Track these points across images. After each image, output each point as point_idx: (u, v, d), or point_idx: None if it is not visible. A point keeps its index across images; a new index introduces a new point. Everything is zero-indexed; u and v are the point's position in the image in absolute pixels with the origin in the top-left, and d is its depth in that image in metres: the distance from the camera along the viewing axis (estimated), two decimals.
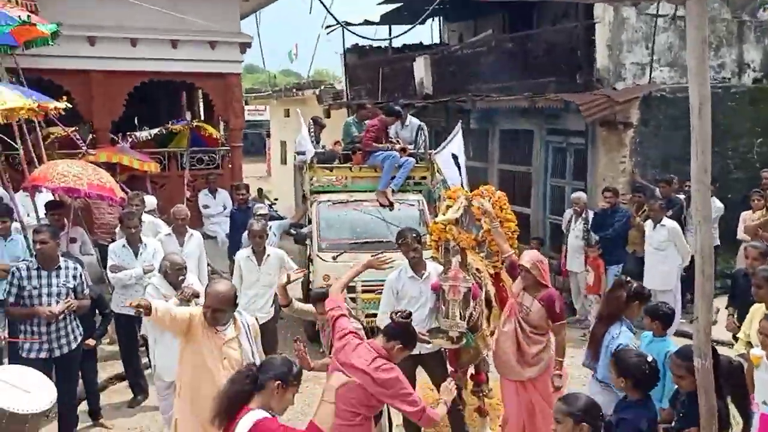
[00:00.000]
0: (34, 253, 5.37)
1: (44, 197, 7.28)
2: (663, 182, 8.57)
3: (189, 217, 7.29)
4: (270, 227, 8.09)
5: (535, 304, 4.91)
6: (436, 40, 16.94)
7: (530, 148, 10.42)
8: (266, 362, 3.30)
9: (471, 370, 6.02)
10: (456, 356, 5.69)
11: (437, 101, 12.00)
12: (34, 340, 5.04)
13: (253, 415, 3.03)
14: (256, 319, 4.59)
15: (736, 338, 5.09)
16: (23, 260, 5.65)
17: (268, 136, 23.13)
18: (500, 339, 5.14)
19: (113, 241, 6.87)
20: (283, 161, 19.00)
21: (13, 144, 7.85)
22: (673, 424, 3.61)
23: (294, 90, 18.47)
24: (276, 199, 14.25)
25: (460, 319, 5.09)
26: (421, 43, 16.76)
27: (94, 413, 6.07)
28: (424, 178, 8.58)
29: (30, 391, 4.21)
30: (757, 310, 4.63)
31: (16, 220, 6.55)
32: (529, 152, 10.46)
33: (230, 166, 10.94)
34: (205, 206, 10.03)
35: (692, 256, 6.33)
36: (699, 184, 3.26)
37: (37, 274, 5.14)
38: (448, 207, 6.48)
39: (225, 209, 9.93)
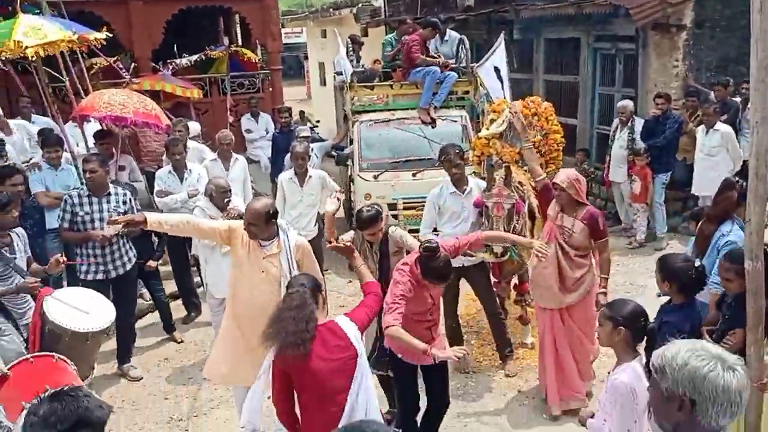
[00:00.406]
0: (85, 181, 5.53)
1: (92, 127, 7.44)
2: (719, 85, 8.15)
3: (233, 141, 7.37)
4: (312, 149, 8.13)
5: (576, 223, 4.65)
6: None
7: (577, 57, 9.99)
8: (298, 278, 3.39)
9: (514, 280, 6.07)
10: (499, 268, 5.73)
11: (478, 13, 11.54)
12: (90, 262, 5.28)
13: (341, 320, 3.24)
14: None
15: None
16: (75, 188, 5.83)
17: (306, 58, 22.85)
18: (539, 266, 4.81)
19: (160, 167, 7.01)
20: (323, 83, 18.80)
21: (59, 76, 7.98)
22: (718, 326, 3.56)
23: (330, 9, 18.03)
24: (318, 122, 14.23)
25: (503, 232, 5.09)
26: None
27: (168, 326, 6.42)
28: (466, 92, 8.39)
29: (89, 311, 4.45)
30: None
31: (66, 151, 6.73)
32: (576, 61, 10.04)
33: (270, 89, 10.90)
34: (248, 131, 10.08)
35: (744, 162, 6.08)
36: (758, 82, 3.09)
37: (88, 201, 5.31)
38: (492, 121, 6.36)
39: (267, 133, 9.97)
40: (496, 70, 7.81)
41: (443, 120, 8.09)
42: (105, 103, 6.70)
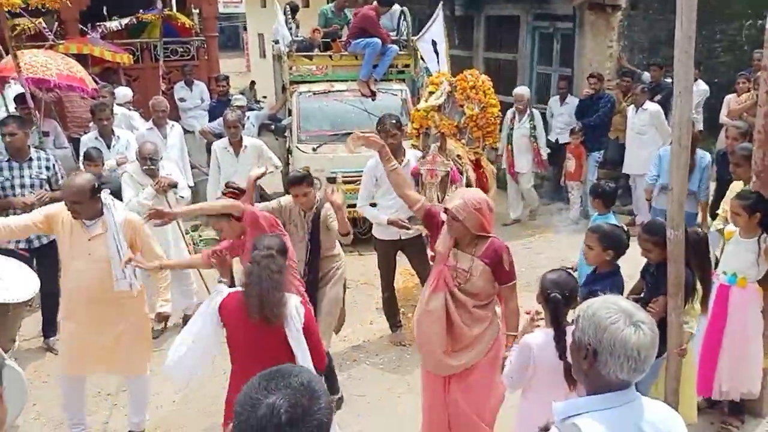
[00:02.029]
0: (4, 145, 5.23)
1: (16, 90, 7.03)
2: (654, 66, 8.41)
3: (168, 109, 7.12)
4: (248, 117, 7.94)
5: (476, 263, 3.46)
6: None
7: (517, 35, 10.10)
8: (263, 240, 3.27)
9: None
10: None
11: None
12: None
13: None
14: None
15: (714, 215, 5.16)
16: None
17: (245, 29, 22.28)
18: (423, 321, 3.59)
19: (86, 134, 6.71)
20: (262, 55, 18.40)
21: None
22: (641, 294, 3.69)
23: None
24: (264, 97, 13.91)
25: (437, 201, 5.11)
26: None
27: None
28: (407, 66, 8.37)
29: (10, 281, 4.23)
30: (735, 187, 4.66)
31: None
32: (515, 39, 10.15)
33: (206, 57, 10.56)
34: (182, 99, 9.74)
35: None
36: (682, 53, 3.16)
37: (8, 165, 5.06)
38: (431, 93, 6.38)
39: (203, 102, 9.68)
40: (433, 43, 7.82)
41: (383, 93, 8.04)
42: (26, 65, 6.34)
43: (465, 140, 6.43)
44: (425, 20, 9.81)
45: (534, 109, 8.33)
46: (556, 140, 8.66)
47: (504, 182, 8.33)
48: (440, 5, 8.12)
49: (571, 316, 2.79)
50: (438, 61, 7.75)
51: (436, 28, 7.73)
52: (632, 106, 7.90)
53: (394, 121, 5.29)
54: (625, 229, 3.92)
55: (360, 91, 8.00)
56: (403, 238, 5.37)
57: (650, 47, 9.00)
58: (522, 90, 8.36)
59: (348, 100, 7.99)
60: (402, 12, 8.60)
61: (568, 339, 2.02)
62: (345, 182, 7.47)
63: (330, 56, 8.28)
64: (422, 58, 8.01)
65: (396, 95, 8.07)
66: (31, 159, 5.11)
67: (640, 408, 1.81)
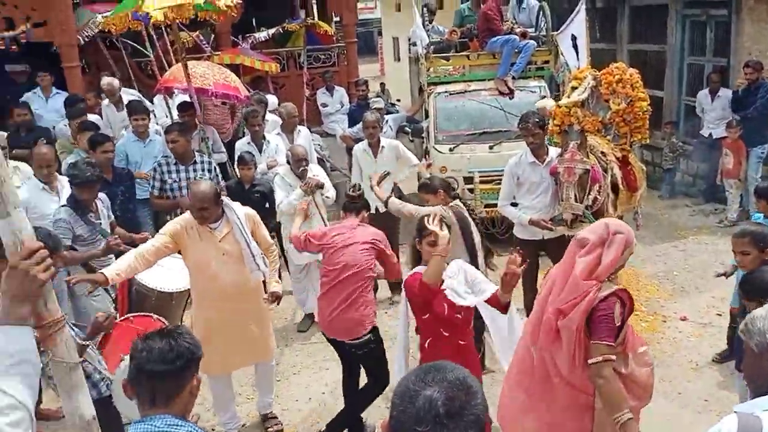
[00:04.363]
0: (170, 150, 5.72)
1: (178, 100, 7.67)
2: None
3: (297, 114, 7.40)
4: (386, 120, 8.12)
5: None
6: None
7: (664, 25, 9.54)
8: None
9: None
10: None
11: None
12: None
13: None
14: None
15: None
16: (164, 156, 6.03)
17: (380, 34, 22.76)
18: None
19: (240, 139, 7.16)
20: (397, 58, 18.70)
21: (145, 51, 8.26)
22: None
23: None
24: (398, 100, 14.17)
25: (575, 201, 4.94)
26: None
27: None
28: (546, 62, 8.19)
29: (174, 272, 4.64)
30: None
31: (157, 123, 6.96)
32: (663, 29, 9.59)
33: (346, 63, 10.93)
34: (324, 105, 10.16)
35: None
36: None
37: (176, 168, 5.53)
38: (573, 89, 6.17)
39: (342, 106, 10.02)
40: (573, 38, 7.57)
41: (521, 91, 7.92)
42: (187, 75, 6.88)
43: (611, 136, 6.18)
44: (563, 14, 9.55)
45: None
46: (710, 135, 8.08)
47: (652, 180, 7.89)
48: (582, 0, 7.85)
49: None
50: (578, 57, 7.50)
51: (578, 22, 7.47)
52: None
53: (537, 119, 5.19)
54: None
55: (497, 90, 7.92)
56: (545, 238, 5.26)
57: None
58: (543, 102, 6.96)
59: (485, 99, 7.95)
60: (541, 7, 8.43)
61: None
62: (482, 182, 7.44)
63: (467, 56, 8.27)
64: (562, 54, 7.79)
65: (535, 92, 7.92)
66: (195, 162, 5.57)
67: None
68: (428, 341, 3.51)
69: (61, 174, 5.20)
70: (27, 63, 9.40)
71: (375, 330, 4.22)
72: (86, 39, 8.35)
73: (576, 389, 2.81)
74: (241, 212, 4.13)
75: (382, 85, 14.68)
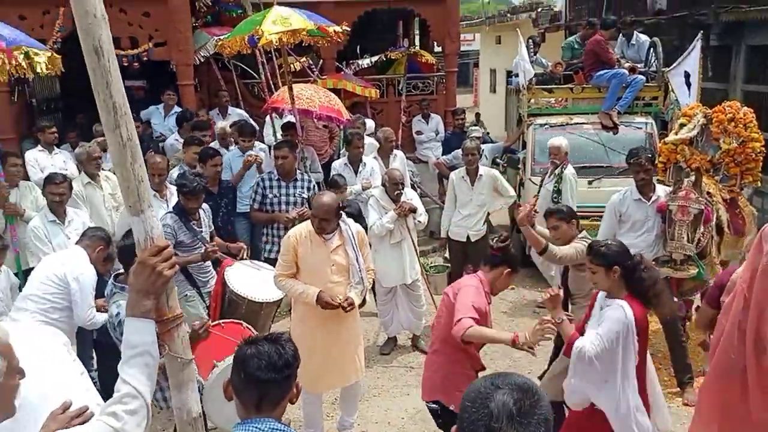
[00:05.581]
0: (275, 166, 5.92)
1: (287, 119, 7.93)
2: None
3: (395, 139, 7.51)
4: (482, 150, 8.08)
5: None
6: None
7: None
8: None
9: (697, 302, 5.59)
10: (678, 283, 5.31)
11: (671, 16, 10.82)
12: (274, 241, 5.63)
13: None
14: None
15: None
16: (268, 172, 6.21)
17: (476, 66, 22.81)
18: None
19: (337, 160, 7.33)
20: (492, 90, 18.64)
21: (254, 74, 8.65)
22: None
23: (507, 14, 17.89)
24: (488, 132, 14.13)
25: (688, 242, 4.71)
26: None
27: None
28: (654, 98, 7.93)
29: (265, 284, 4.75)
30: None
31: (264, 142, 7.24)
32: None
33: (444, 92, 10.99)
34: (419, 132, 10.23)
35: None
36: None
37: (278, 184, 5.73)
38: (682, 126, 5.95)
39: (437, 134, 10.07)
40: (686, 74, 7.30)
41: (626, 126, 7.69)
42: (295, 97, 7.14)
43: (719, 177, 5.88)
44: (672, 52, 9.26)
45: (567, 170, 6.75)
46: None
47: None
48: (699, 35, 7.57)
49: None
50: (690, 94, 7.22)
51: (692, 59, 7.21)
52: None
53: (648, 155, 5.05)
54: None
55: (601, 124, 7.73)
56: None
57: None
58: (558, 141, 6.81)
59: (586, 133, 7.76)
60: (653, 42, 8.21)
61: None
62: (580, 217, 7.21)
63: (571, 89, 8.13)
64: (672, 91, 7.52)
65: (640, 128, 7.67)
66: (296, 179, 5.75)
67: None
68: None
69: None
70: (145, 79, 10.08)
71: None
72: (201, 59, 8.85)
73: None
74: (354, 228, 4.30)
75: (477, 115, 14.66)
